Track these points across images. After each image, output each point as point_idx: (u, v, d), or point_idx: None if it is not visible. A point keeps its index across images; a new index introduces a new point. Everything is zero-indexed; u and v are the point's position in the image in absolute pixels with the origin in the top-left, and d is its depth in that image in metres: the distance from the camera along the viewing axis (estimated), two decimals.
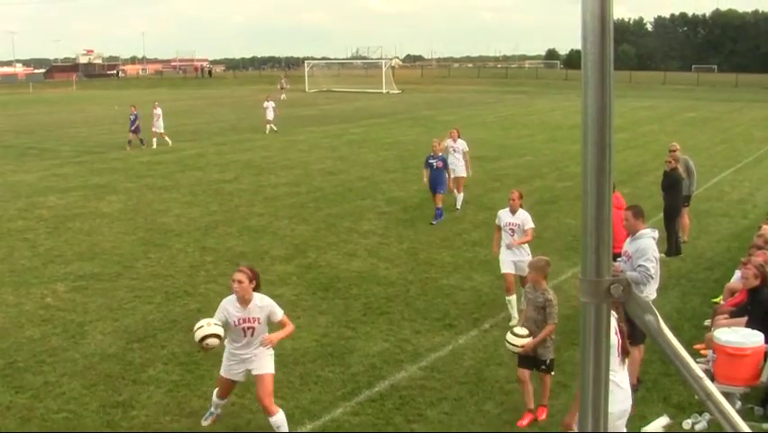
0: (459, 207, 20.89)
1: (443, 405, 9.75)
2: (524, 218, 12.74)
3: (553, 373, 9.52)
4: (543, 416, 9.41)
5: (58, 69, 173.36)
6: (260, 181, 26.23)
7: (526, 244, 12.72)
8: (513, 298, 12.53)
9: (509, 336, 9.29)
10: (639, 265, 9.74)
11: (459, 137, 21.30)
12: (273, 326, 8.93)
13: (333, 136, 40.28)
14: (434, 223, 19.28)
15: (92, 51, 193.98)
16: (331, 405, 9.79)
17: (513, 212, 12.77)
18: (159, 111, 36.70)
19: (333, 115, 53.81)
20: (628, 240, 10.24)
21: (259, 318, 8.53)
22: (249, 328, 8.53)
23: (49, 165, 32.08)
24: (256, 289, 8.67)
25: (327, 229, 19.15)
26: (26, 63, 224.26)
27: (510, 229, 12.73)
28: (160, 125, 36.70)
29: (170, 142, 36.46)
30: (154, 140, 36.44)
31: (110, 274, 15.64)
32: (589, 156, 1.97)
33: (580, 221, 2.04)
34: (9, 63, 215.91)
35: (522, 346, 9.13)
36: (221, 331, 8.44)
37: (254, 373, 8.75)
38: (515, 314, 12.30)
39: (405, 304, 13.61)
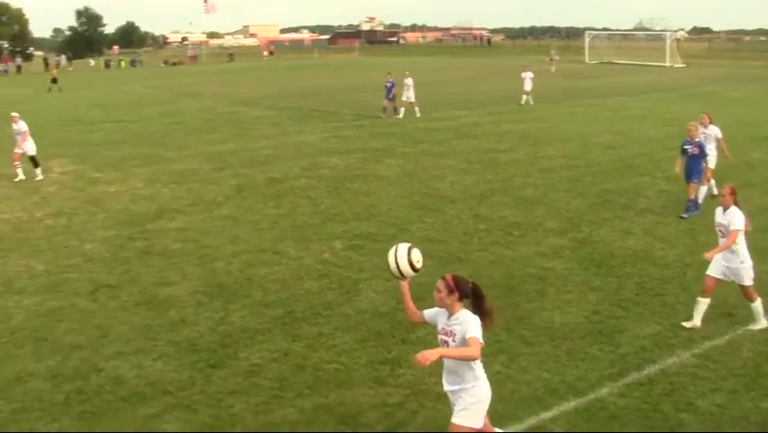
0: (704, 197, 18.53)
1: (716, 396, 9.29)
2: (730, 218, 11.16)
3: None
4: None
5: (341, 36, 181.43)
6: (536, 152, 26.07)
7: (741, 249, 11.13)
8: (704, 301, 11.37)
9: None
10: None
11: (711, 123, 19.26)
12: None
13: (612, 110, 39.28)
14: (684, 216, 17.58)
15: (374, 19, 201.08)
16: (597, 384, 9.60)
17: (724, 210, 11.33)
18: (410, 81, 37.21)
19: (612, 88, 52.48)
20: None
21: (456, 335, 7.10)
22: (444, 342, 7.22)
23: (331, 127, 33.59)
24: (465, 302, 7.18)
25: (603, 204, 18.74)
26: (312, 30, 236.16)
27: (719, 230, 11.39)
28: (410, 95, 37.21)
29: (418, 113, 36.86)
30: (402, 109, 37.00)
31: (385, 235, 16.13)
32: None
33: None
34: (297, 30, 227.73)
35: None
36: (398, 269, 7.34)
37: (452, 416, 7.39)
38: (697, 320, 11.32)
39: (680, 287, 13.06)
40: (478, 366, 7.20)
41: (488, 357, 10.21)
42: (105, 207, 19.78)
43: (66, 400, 9.50)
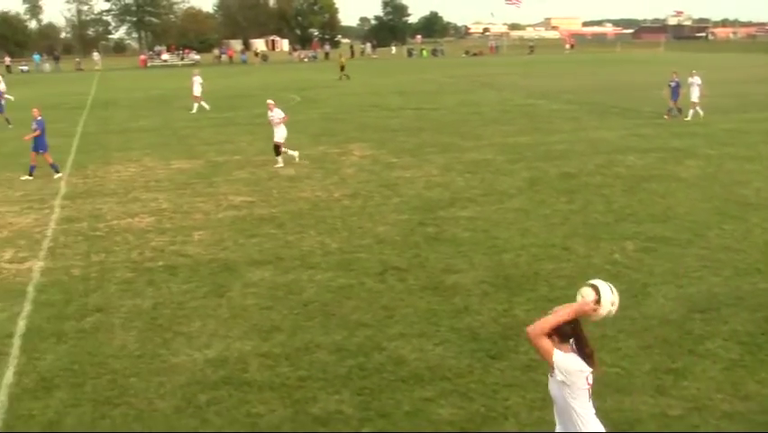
0: None
1: None
2: None
3: None
4: None
5: (646, 30, 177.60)
6: None
7: None
8: None
9: None
10: None
11: None
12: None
13: None
14: None
15: (681, 13, 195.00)
16: None
17: None
18: (696, 80, 34.77)
19: None
20: None
21: (555, 376, 6.04)
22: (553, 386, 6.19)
23: (630, 125, 32.71)
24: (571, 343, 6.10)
25: None
26: (615, 23, 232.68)
27: None
28: (695, 94, 34.76)
29: (689, 115, 34.45)
30: (691, 111, 34.70)
31: (680, 240, 15.45)
32: None
33: None
34: (599, 23, 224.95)
35: None
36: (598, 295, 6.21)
37: None
38: None
39: None
40: (584, 413, 6.14)
41: None
42: (400, 191, 20.38)
43: (348, 373, 9.87)
